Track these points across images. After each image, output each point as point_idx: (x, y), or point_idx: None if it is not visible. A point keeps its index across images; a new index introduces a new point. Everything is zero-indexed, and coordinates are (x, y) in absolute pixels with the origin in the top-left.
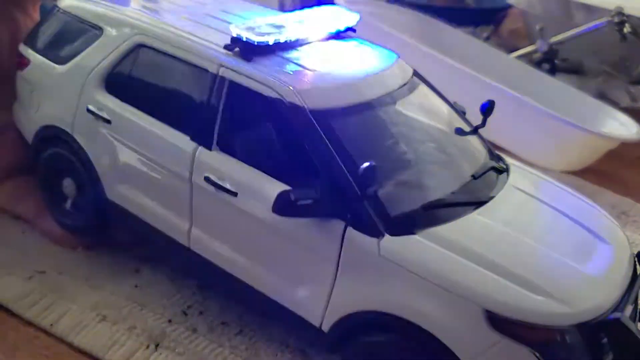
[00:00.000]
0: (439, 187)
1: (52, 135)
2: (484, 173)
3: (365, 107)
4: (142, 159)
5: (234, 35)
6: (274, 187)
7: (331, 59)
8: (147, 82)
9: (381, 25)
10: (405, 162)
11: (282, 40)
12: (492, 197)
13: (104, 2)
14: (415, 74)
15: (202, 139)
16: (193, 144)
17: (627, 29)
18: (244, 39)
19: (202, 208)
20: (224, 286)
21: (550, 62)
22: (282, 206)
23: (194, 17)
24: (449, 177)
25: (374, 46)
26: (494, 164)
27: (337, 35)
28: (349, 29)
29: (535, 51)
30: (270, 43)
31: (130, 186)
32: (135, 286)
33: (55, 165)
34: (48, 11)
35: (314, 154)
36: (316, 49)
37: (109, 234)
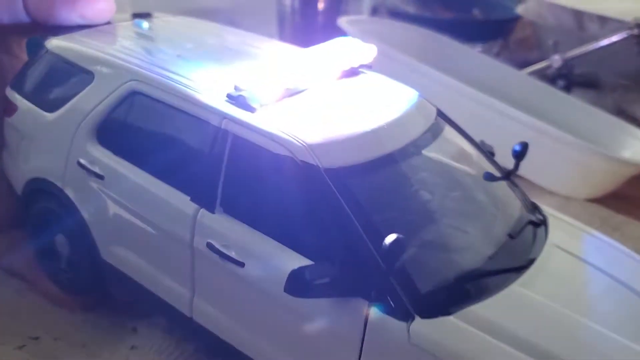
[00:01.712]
0: (474, 251)
1: (42, 189)
2: (522, 230)
3: (387, 161)
4: (138, 219)
5: (236, 84)
6: (287, 258)
7: (346, 103)
8: (142, 134)
9: (387, 48)
10: (435, 222)
11: (290, 87)
12: (532, 260)
13: (95, 42)
14: (439, 113)
15: (204, 200)
16: (194, 206)
17: None
18: (247, 88)
19: (206, 277)
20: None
21: (566, 78)
22: (296, 286)
23: (193, 56)
24: (484, 238)
25: (393, 83)
26: (530, 216)
27: (352, 72)
28: (363, 64)
29: (549, 66)
30: (277, 92)
31: (126, 248)
32: (132, 347)
33: (46, 221)
34: (36, 48)
35: (330, 221)
36: (329, 92)
37: (108, 292)
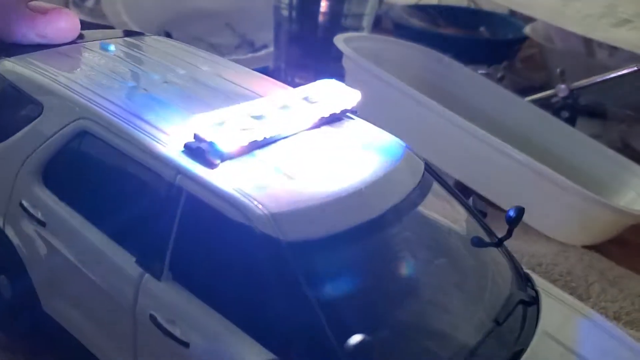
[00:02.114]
0: (454, 342)
1: None
2: (510, 313)
3: (363, 232)
4: (80, 275)
5: (196, 132)
6: (237, 342)
7: (321, 156)
8: (90, 180)
9: (382, 73)
10: (413, 306)
11: (258, 139)
12: (520, 352)
13: (49, 68)
14: (427, 168)
15: (150, 264)
16: (139, 269)
17: None
18: (208, 140)
19: (148, 350)
20: None
21: (571, 108)
22: None
23: (160, 92)
24: (467, 324)
25: (377, 132)
26: (521, 294)
27: (333, 119)
28: (347, 110)
29: (554, 95)
30: (244, 144)
31: (66, 302)
32: None
33: None
34: None
35: (288, 306)
36: (303, 144)
37: (53, 338)
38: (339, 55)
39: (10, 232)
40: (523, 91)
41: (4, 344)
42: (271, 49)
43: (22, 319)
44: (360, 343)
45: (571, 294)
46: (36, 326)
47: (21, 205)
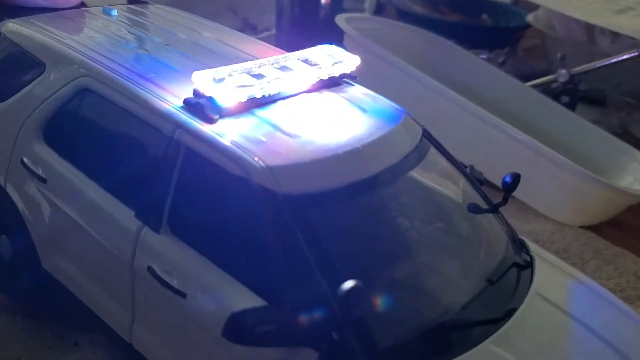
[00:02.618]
0: (447, 298)
1: None
2: (504, 274)
3: (358, 189)
4: (79, 231)
5: (196, 88)
6: (233, 292)
7: (321, 118)
8: (90, 136)
9: (381, 50)
10: (406, 262)
11: (257, 96)
12: (512, 311)
13: (52, 30)
14: (425, 133)
15: (149, 217)
16: (137, 223)
17: None
18: (208, 95)
19: (146, 303)
20: None
21: (571, 94)
22: (235, 332)
23: (160, 53)
24: (460, 282)
25: (376, 98)
26: (515, 257)
27: (332, 83)
28: (346, 74)
29: (554, 80)
30: (243, 100)
31: (67, 259)
32: None
33: None
34: None
35: (283, 256)
36: (302, 105)
37: (52, 300)
38: (340, 38)
39: (11, 190)
40: (524, 78)
41: (3, 305)
42: (273, 31)
43: (22, 278)
44: (352, 289)
45: None
46: (36, 285)
47: (22, 162)
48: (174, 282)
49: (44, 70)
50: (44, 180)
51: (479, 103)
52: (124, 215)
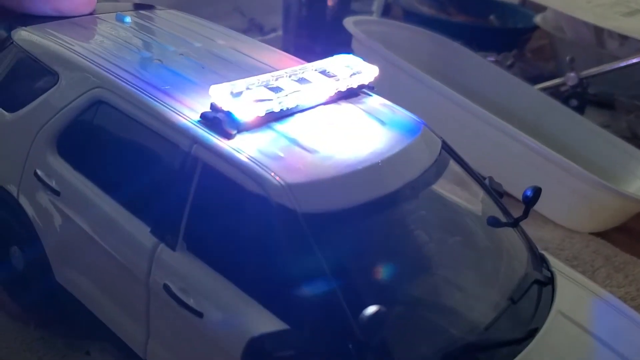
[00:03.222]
0: (468, 319)
1: None
2: (526, 292)
3: (379, 206)
4: (93, 245)
5: (214, 102)
6: (252, 314)
7: (340, 131)
8: (105, 149)
9: (391, 55)
10: (428, 282)
11: (275, 110)
12: (534, 331)
13: (65, 38)
14: (444, 146)
15: (165, 234)
16: (153, 239)
17: None
18: (225, 109)
19: (161, 320)
20: None
21: (580, 97)
22: (255, 357)
23: (175, 63)
24: (482, 302)
25: (394, 109)
26: (536, 274)
27: (350, 94)
28: (364, 85)
29: (563, 84)
30: (261, 115)
31: (80, 273)
32: None
33: (0, 230)
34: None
35: (304, 277)
36: (320, 118)
37: (64, 311)
38: (347, 40)
39: (24, 202)
40: (532, 80)
41: (16, 313)
42: (280, 32)
43: (34, 290)
44: (375, 314)
45: None
46: (48, 297)
47: (36, 174)
48: (191, 301)
49: (58, 80)
50: (57, 193)
51: (487, 106)
52: (140, 231)
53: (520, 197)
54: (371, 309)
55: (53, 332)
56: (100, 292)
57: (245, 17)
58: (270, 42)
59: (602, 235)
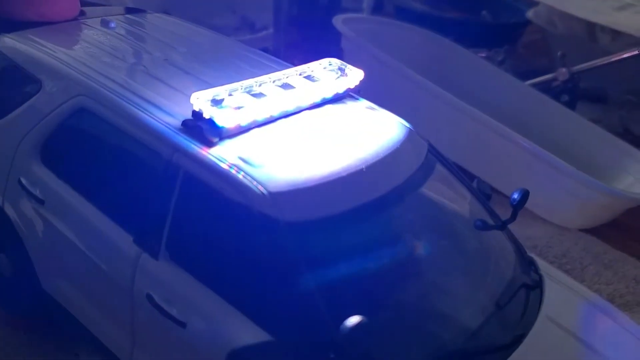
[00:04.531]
0: (454, 326)
1: None
2: (513, 296)
3: (364, 213)
4: (78, 254)
5: (195, 109)
6: (234, 324)
7: (324, 137)
8: (88, 158)
9: (380, 53)
10: (413, 289)
11: (258, 118)
12: (521, 337)
13: (48, 45)
14: (430, 149)
15: (148, 243)
16: (136, 248)
17: None
18: (207, 117)
19: (146, 329)
20: None
21: (571, 92)
22: None
23: (159, 70)
24: (468, 308)
25: (380, 113)
26: (524, 278)
27: (336, 98)
28: (350, 89)
29: (554, 79)
30: (243, 124)
31: (66, 281)
32: None
33: None
34: None
35: (286, 287)
36: (304, 124)
37: (52, 313)
38: (338, 37)
39: (9, 210)
40: (524, 75)
41: (5, 319)
42: (271, 30)
43: (22, 297)
44: (357, 325)
45: None
46: (36, 304)
47: (20, 183)
48: (174, 311)
49: (40, 88)
50: (41, 202)
51: (478, 102)
52: (123, 240)
53: (509, 194)
54: (352, 320)
55: (41, 337)
56: (86, 301)
57: (237, 14)
58: (261, 40)
59: (591, 231)
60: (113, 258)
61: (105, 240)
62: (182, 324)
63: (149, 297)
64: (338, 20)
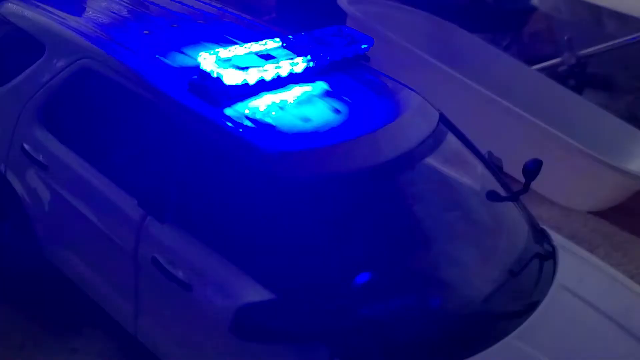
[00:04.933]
0: (467, 291)
1: None
2: (526, 265)
3: (374, 175)
4: (82, 219)
5: (203, 68)
6: (241, 285)
7: (332, 102)
8: (92, 121)
9: (388, 33)
10: (424, 252)
11: (267, 78)
12: (535, 304)
13: (54, 9)
14: (441, 118)
15: (153, 206)
16: (141, 212)
17: None
18: (215, 76)
19: (150, 295)
20: None
21: (578, 77)
22: (243, 328)
23: (164, 33)
24: (480, 274)
25: (390, 81)
26: (537, 247)
27: (345, 65)
28: (359, 56)
29: (561, 64)
30: (251, 83)
31: (68, 249)
32: (73, 350)
33: None
34: None
35: (297, 245)
36: (315, 87)
37: (55, 285)
38: (342, 19)
39: (11, 177)
40: (529, 62)
41: (7, 296)
42: (274, 14)
43: (24, 267)
44: (367, 281)
45: None
46: (39, 272)
47: (23, 149)
48: (179, 274)
49: (44, 52)
50: (45, 168)
51: (484, 86)
52: (127, 204)
53: (518, 176)
54: (363, 277)
55: (43, 311)
56: (89, 268)
57: None
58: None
59: (600, 214)
60: (117, 221)
61: (109, 204)
62: (188, 287)
63: (154, 261)
64: (343, 1)
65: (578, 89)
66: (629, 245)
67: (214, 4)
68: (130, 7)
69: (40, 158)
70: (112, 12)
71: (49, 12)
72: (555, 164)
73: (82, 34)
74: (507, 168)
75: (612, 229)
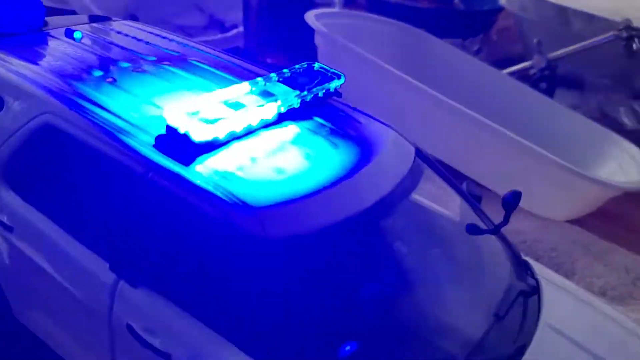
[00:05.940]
0: (453, 343)
1: None
2: (511, 305)
3: (353, 225)
4: (52, 283)
5: (169, 124)
6: (221, 352)
7: (305, 148)
8: (57, 179)
9: (358, 50)
10: (407, 304)
11: (237, 130)
12: (522, 348)
13: (11, 59)
14: (418, 153)
15: (125, 269)
16: (113, 276)
17: (636, 44)
18: (182, 132)
19: None
20: None
21: (549, 79)
22: None
23: (128, 82)
24: (466, 322)
25: (363, 118)
26: (521, 285)
27: (317, 103)
28: (331, 93)
29: (531, 67)
30: (222, 138)
31: (40, 311)
32: None
33: None
34: None
35: (276, 314)
36: (285, 134)
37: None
38: (311, 34)
39: None
40: (500, 63)
41: None
42: (241, 28)
43: None
44: (354, 353)
45: (556, 270)
46: (10, 334)
47: None
48: (157, 343)
49: (2, 106)
50: (10, 229)
51: (457, 93)
52: (98, 267)
53: (494, 188)
54: (347, 348)
55: None
56: (63, 331)
57: (205, 13)
58: (232, 39)
59: (578, 222)
60: (89, 286)
61: (80, 268)
62: (167, 356)
63: (129, 328)
64: (310, 16)
65: (549, 92)
66: (610, 255)
67: (178, 38)
68: (91, 50)
69: (5, 219)
70: (73, 57)
71: (7, 62)
72: (532, 176)
73: (42, 87)
74: (484, 181)
75: (592, 238)
